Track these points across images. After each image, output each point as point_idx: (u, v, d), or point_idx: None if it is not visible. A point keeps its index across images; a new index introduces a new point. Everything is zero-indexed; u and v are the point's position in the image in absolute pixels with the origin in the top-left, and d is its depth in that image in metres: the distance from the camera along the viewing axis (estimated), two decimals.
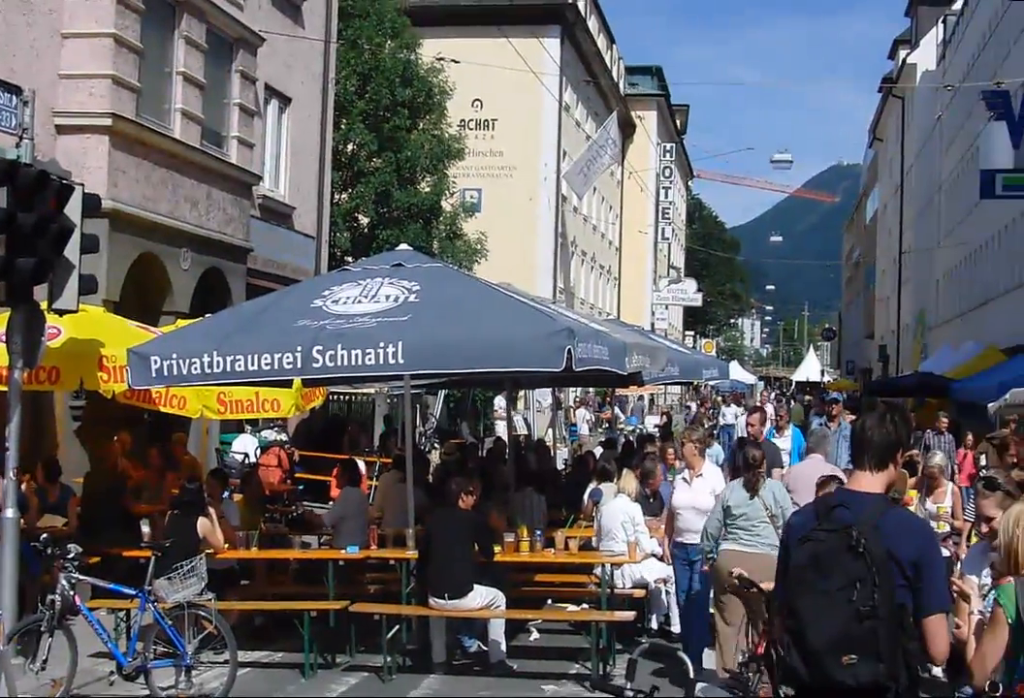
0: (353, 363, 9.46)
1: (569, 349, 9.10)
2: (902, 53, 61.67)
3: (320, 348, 9.46)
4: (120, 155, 15.81)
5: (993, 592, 5.29)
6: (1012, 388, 18.18)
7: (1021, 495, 6.76)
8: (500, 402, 27.76)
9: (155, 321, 15.87)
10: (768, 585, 7.24)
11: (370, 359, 9.38)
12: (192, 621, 9.61)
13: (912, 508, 10.77)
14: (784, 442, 18.51)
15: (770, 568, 5.31)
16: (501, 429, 26.56)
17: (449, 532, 10.53)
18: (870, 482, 4.76)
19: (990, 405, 18.22)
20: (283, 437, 20.11)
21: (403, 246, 11.33)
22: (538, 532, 11.50)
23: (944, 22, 52.33)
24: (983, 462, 17.18)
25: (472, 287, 10.42)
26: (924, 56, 56.10)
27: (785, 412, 22.19)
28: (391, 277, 10.31)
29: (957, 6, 49.83)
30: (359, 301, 10.01)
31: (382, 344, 9.35)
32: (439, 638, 10.92)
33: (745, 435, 17.12)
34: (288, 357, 9.57)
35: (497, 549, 11.05)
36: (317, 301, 10.17)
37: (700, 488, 10.84)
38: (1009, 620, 4.93)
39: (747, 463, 9.93)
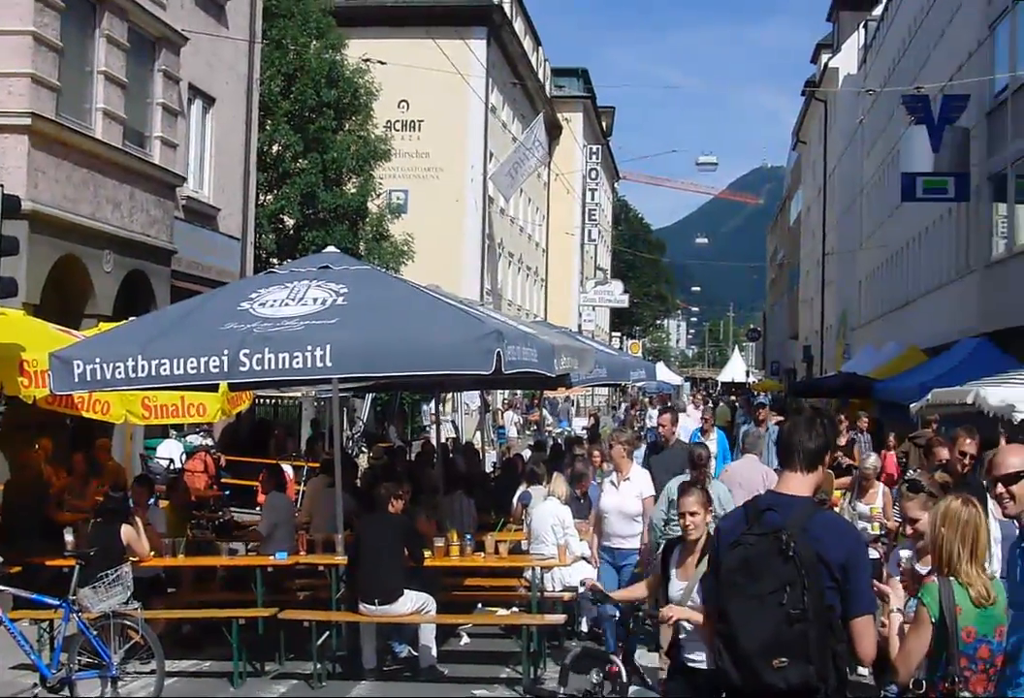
0: (280, 366, 9.35)
1: (498, 352, 9.07)
2: (824, 57, 62.52)
3: (247, 351, 9.34)
4: (40, 155, 15.53)
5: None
6: (933, 388, 18.39)
7: (944, 497, 6.83)
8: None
9: (77, 324, 15.61)
10: None
11: (298, 362, 9.29)
12: (118, 631, 9.43)
13: (839, 509, 10.84)
14: (710, 445, 18.52)
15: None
16: (447, 430, 26.46)
17: (379, 537, 10.44)
18: (799, 485, 4.82)
19: (912, 405, 18.41)
20: (209, 442, 19.85)
21: (330, 248, 11.24)
22: (468, 536, 11.45)
23: (865, 27, 53.10)
24: (905, 462, 17.43)
25: (400, 289, 10.34)
26: (846, 60, 56.91)
27: (710, 415, 22.17)
28: (318, 280, 10.22)
29: (878, 12, 50.55)
30: (286, 304, 9.91)
31: (310, 347, 9.26)
32: (369, 644, 10.82)
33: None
34: (215, 361, 9.44)
35: (427, 554, 10.98)
36: (244, 304, 10.05)
37: (627, 492, 10.86)
38: (932, 619, 5.01)
39: (693, 462, 10.64)
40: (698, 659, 6.15)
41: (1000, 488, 5.51)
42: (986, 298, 28.38)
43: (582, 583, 7.63)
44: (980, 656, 5.06)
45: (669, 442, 13.01)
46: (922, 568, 6.17)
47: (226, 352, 9.34)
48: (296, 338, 9.33)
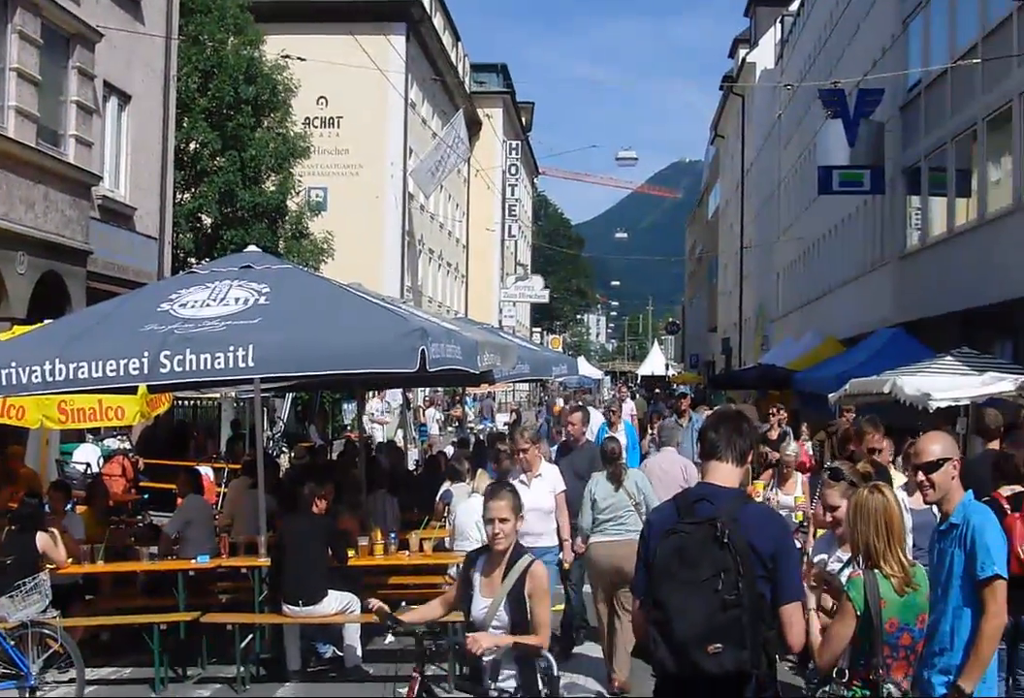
0: (202, 367, 9.26)
1: (423, 349, 9.06)
2: (742, 52, 63.14)
3: (168, 353, 9.23)
4: None
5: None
6: (851, 378, 18.64)
7: (863, 486, 6.95)
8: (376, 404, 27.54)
9: None
10: None
11: (220, 363, 9.20)
12: (36, 640, 9.28)
13: (759, 500, 10.94)
14: (619, 437, 18.49)
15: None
16: (369, 427, 26.35)
17: (302, 538, 10.37)
18: (728, 476, 4.92)
19: (830, 395, 18.61)
20: (127, 445, 19.61)
21: (251, 247, 11.13)
22: (392, 535, 11.42)
23: (782, 22, 53.72)
24: (815, 451, 17.73)
25: (322, 288, 10.28)
26: (763, 55, 57.49)
27: (617, 407, 22.23)
28: (240, 279, 10.13)
29: (794, 7, 51.15)
30: (207, 304, 9.81)
31: (232, 348, 9.18)
32: (293, 645, 10.76)
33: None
34: (134, 363, 9.32)
35: (351, 553, 10.94)
36: (164, 305, 9.94)
37: (539, 489, 10.85)
38: (857, 612, 5.15)
39: (608, 456, 10.58)
40: (507, 686, 6.02)
41: (920, 476, 5.64)
42: (901, 289, 28.84)
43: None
44: (902, 643, 5.24)
45: (579, 441, 12.46)
46: (843, 554, 6.31)
47: (146, 354, 9.23)
48: (218, 339, 9.24)
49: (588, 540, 10.37)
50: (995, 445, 10.98)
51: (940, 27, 26.52)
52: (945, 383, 14.15)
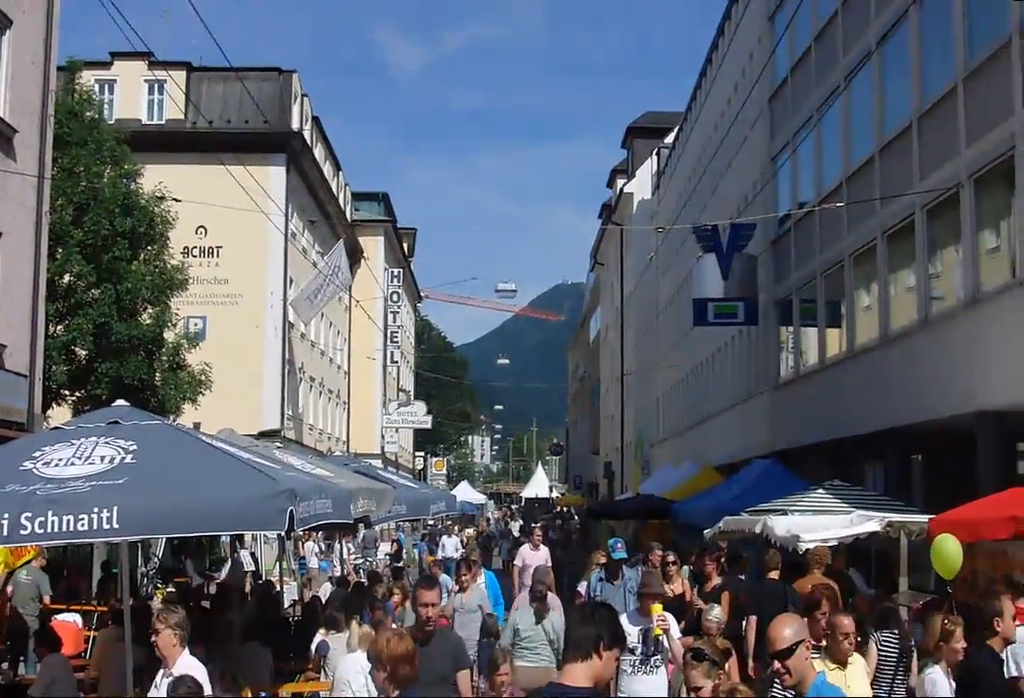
0: (65, 529, 9.01)
1: (291, 510, 9.00)
2: (620, 182, 64.74)
3: (28, 515, 8.97)
4: None
5: None
6: (725, 513, 18.91)
7: (726, 663, 7.09)
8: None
9: None
10: None
11: (83, 525, 8.96)
12: None
13: (656, 618, 10.88)
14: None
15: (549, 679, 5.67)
16: (245, 563, 25.79)
17: None
18: (578, 676, 4.92)
19: (705, 531, 18.86)
20: None
21: (120, 402, 10.95)
22: (263, 695, 11.15)
23: (658, 154, 55.33)
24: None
25: (191, 446, 10.14)
26: (640, 186, 59.03)
27: (476, 555, 21.70)
28: (107, 436, 9.94)
29: (669, 139, 52.76)
30: (72, 463, 9.58)
31: (96, 509, 8.96)
32: None
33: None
34: None
35: None
36: (27, 463, 9.69)
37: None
38: None
39: (536, 596, 12.81)
40: None
41: (776, 664, 5.73)
42: (774, 418, 29.44)
43: None
44: None
45: (434, 629, 9.40)
46: None
47: (6, 516, 8.96)
48: (81, 500, 9.02)
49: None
50: (774, 575, 14.21)
51: (807, 165, 27.62)
52: (814, 523, 14.43)
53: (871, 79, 22.83)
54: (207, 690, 8.89)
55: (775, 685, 6.80)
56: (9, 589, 18.41)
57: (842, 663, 8.52)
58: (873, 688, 10.22)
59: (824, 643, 8.83)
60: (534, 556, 21.58)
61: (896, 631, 10.87)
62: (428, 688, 8.30)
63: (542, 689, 5.20)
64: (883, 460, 22.79)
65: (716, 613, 11.61)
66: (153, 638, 9.28)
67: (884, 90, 22.48)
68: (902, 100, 21.29)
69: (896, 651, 10.68)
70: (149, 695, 9.25)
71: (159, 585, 24.68)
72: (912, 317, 20.51)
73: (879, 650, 10.67)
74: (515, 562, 22.63)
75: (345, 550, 31.34)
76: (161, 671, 9.15)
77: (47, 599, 18.88)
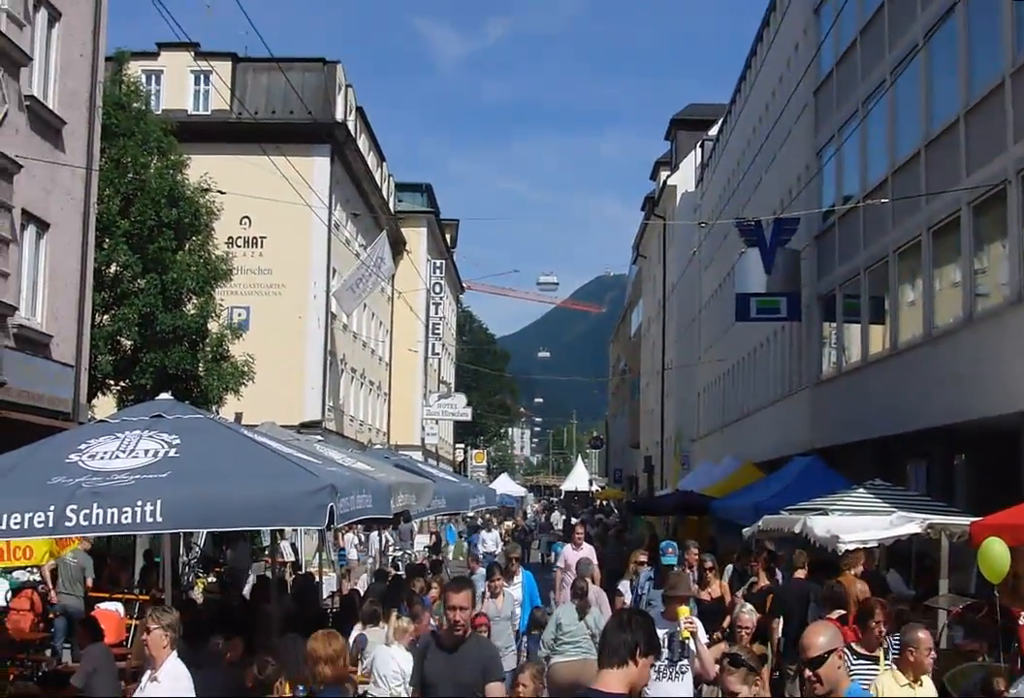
0: (109, 522, 9.12)
1: (331, 506, 9.07)
2: (663, 174, 64.46)
3: (74, 507, 9.09)
4: None
5: None
6: (764, 511, 18.85)
7: (763, 669, 7.10)
8: None
9: None
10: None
11: (127, 518, 9.06)
12: None
13: (683, 620, 10.62)
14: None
15: (592, 671, 5.84)
16: (286, 553, 25.93)
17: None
18: (613, 682, 4.95)
19: (744, 530, 18.80)
20: (36, 577, 19.15)
21: (164, 395, 11.05)
22: (300, 688, 11.20)
23: (702, 147, 55.05)
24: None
25: (233, 440, 10.23)
26: (684, 178, 58.75)
27: (517, 552, 20.74)
28: (150, 430, 10.05)
29: (713, 131, 52.49)
30: (116, 456, 9.70)
31: (139, 502, 9.06)
32: None
33: None
34: (40, 516, 9.15)
35: None
36: (72, 456, 9.81)
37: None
38: None
39: (577, 593, 13.73)
40: None
41: (808, 672, 5.72)
42: (816, 415, 29.28)
43: None
44: None
45: (464, 633, 8.62)
46: None
47: (52, 508, 9.08)
48: (126, 493, 9.13)
49: (550, 660, 12.80)
50: (801, 574, 14.90)
51: (852, 160, 27.42)
52: (854, 524, 14.36)
53: (917, 73, 22.64)
54: (191, 694, 8.63)
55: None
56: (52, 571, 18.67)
57: (917, 679, 8.42)
58: None
59: (894, 656, 8.80)
60: (576, 556, 19.81)
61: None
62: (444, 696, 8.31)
63: (578, 694, 5.23)
64: (926, 459, 22.65)
65: (748, 611, 11.60)
66: (143, 636, 9.01)
67: (931, 85, 22.29)
68: (949, 95, 21.10)
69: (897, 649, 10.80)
70: (135, 696, 9.22)
71: (200, 574, 24.89)
72: (957, 314, 20.36)
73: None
74: (557, 563, 21.52)
75: (383, 542, 31.50)
76: (148, 672, 8.78)
77: (90, 582, 19.08)
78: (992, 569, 11.76)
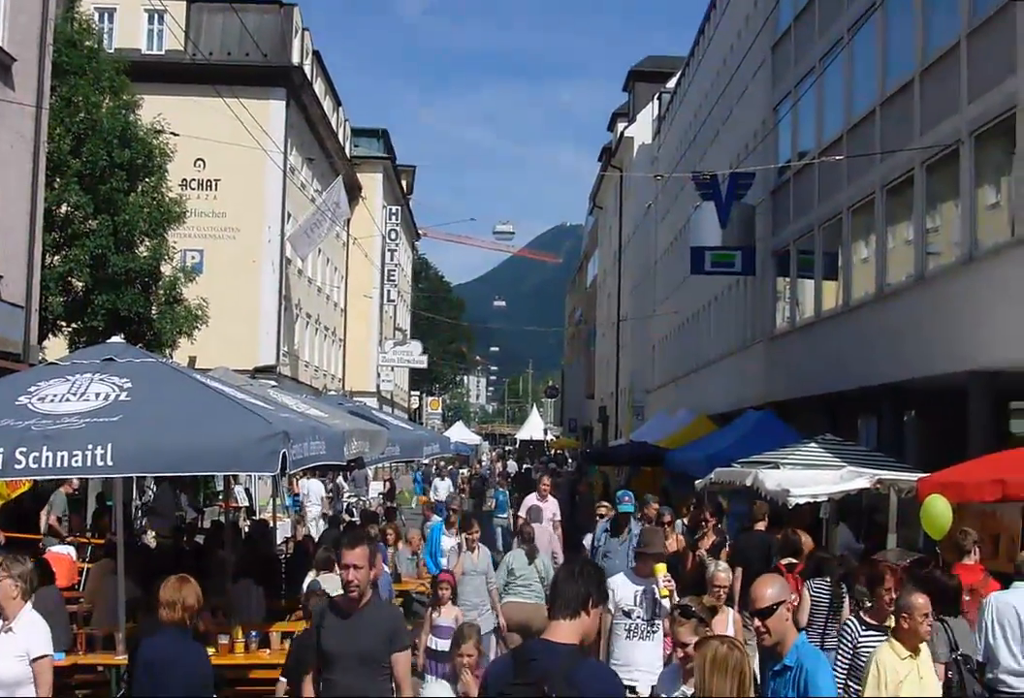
0: (59, 465, 9.09)
1: (283, 453, 9.05)
2: (620, 126, 64.22)
3: (24, 450, 9.04)
4: None
5: None
6: (717, 463, 19.02)
7: (712, 620, 7.17)
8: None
9: None
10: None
11: (77, 461, 9.03)
12: None
13: (662, 578, 9.95)
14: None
15: (543, 615, 6.05)
16: (239, 499, 25.89)
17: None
18: (564, 632, 4.96)
19: (697, 482, 18.96)
20: None
21: (116, 338, 10.95)
22: (253, 633, 11.26)
23: (659, 99, 54.86)
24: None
25: (185, 385, 10.17)
26: (641, 130, 58.57)
27: (458, 504, 19.81)
28: (102, 373, 9.97)
29: (671, 84, 52.29)
30: (67, 399, 9.63)
31: (90, 446, 9.03)
32: None
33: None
34: None
35: (210, 651, 10.73)
36: (22, 398, 9.73)
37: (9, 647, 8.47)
38: None
39: (524, 538, 14.29)
40: None
41: (757, 622, 5.79)
42: (770, 369, 29.47)
43: None
44: None
45: (361, 596, 7.47)
46: (687, 690, 6.43)
47: (1, 450, 9.02)
48: (76, 436, 9.08)
49: (502, 599, 13.49)
50: (761, 526, 15.03)
51: (808, 116, 27.43)
52: (804, 478, 14.52)
53: (874, 32, 22.61)
54: (48, 649, 8.08)
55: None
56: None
57: (915, 650, 7.75)
58: (808, 632, 10.47)
59: (891, 624, 8.11)
60: (541, 508, 19.17)
61: (827, 579, 11.15)
62: (345, 670, 7.22)
63: (527, 643, 5.25)
64: (877, 415, 22.87)
65: (723, 569, 10.36)
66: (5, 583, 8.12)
67: (887, 44, 22.27)
68: (905, 55, 21.12)
69: (827, 598, 11.00)
70: None
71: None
72: (909, 272, 20.50)
73: (811, 596, 11.01)
74: (519, 513, 20.36)
75: (335, 489, 31.52)
76: (0, 623, 7.94)
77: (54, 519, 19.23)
78: (934, 526, 11.93)
